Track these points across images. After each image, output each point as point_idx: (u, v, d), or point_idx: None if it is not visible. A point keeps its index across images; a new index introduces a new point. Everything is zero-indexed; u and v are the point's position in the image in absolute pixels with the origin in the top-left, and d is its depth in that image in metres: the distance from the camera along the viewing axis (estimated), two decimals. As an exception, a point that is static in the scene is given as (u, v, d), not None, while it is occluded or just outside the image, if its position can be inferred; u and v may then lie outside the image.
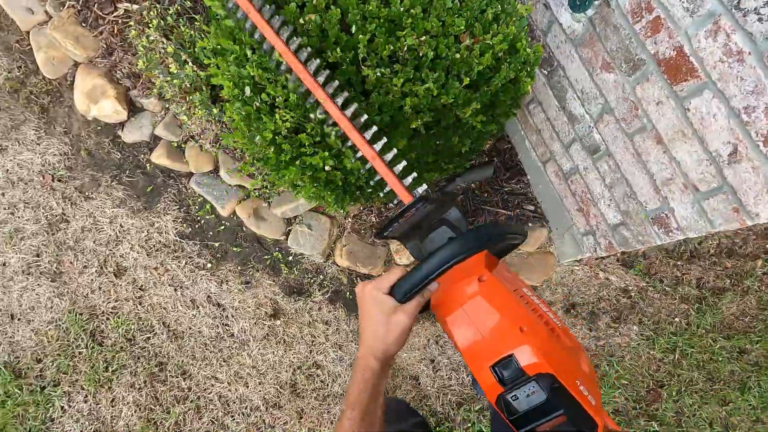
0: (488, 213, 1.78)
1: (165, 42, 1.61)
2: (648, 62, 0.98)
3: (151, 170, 1.92)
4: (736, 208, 0.92)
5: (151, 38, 1.59)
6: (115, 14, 1.91)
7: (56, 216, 1.88)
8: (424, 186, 0.77)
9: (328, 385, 1.76)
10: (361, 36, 0.91)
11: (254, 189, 1.81)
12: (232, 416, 1.73)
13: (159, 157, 1.89)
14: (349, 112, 0.80)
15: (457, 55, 0.95)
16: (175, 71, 1.60)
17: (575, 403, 0.53)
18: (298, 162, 0.90)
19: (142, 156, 1.94)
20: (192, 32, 1.60)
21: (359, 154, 0.82)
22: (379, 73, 0.92)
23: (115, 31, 1.92)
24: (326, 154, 0.91)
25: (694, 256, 1.88)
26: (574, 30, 1.16)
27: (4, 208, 1.88)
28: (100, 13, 1.93)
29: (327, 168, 0.90)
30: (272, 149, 0.91)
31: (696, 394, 1.77)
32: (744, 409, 1.76)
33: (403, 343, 0.65)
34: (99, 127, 1.97)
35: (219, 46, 0.92)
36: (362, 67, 0.92)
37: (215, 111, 1.62)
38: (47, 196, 1.89)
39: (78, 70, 1.97)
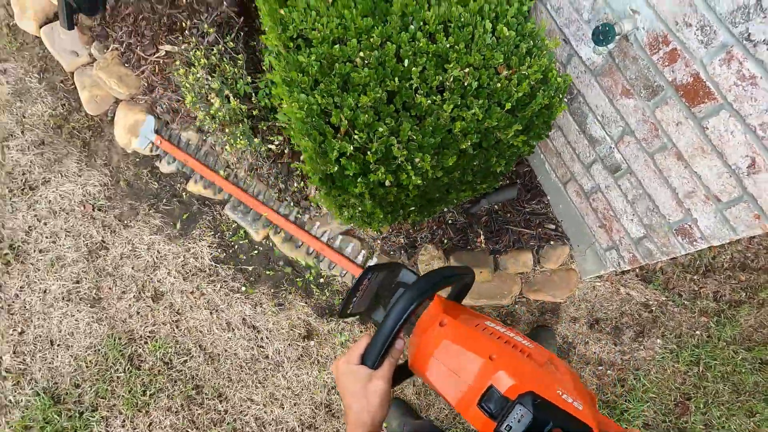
0: (512, 233, 1.87)
1: (210, 79, 1.74)
2: (666, 88, 1.10)
3: (187, 199, 2.02)
4: (758, 215, 1.01)
5: (198, 76, 1.72)
6: (156, 55, 2.07)
7: (96, 244, 1.95)
8: (375, 259, 0.85)
9: (361, 405, 1.79)
10: (413, 68, 1.03)
11: (290, 213, 1.90)
12: (268, 438, 1.75)
13: (195, 186, 1.99)
14: (292, 217, 0.92)
15: (498, 85, 1.07)
16: (218, 105, 1.72)
17: (562, 413, 0.54)
18: (360, 180, 1.00)
19: (179, 185, 2.04)
20: (235, 70, 1.74)
21: (311, 249, 0.92)
22: (430, 101, 1.04)
23: (157, 70, 2.07)
24: (386, 170, 1.01)
25: (709, 270, 1.96)
26: (594, 62, 1.29)
27: (46, 237, 1.95)
28: (143, 54, 2.08)
29: (387, 183, 0.99)
30: (336, 168, 1.00)
31: (723, 406, 1.81)
32: (771, 421, 1.79)
33: (387, 406, 0.65)
34: (137, 159, 2.08)
35: (288, 78, 1.03)
36: (416, 95, 1.03)
37: (256, 141, 1.73)
38: (87, 225, 1.98)
39: (119, 106, 2.10)
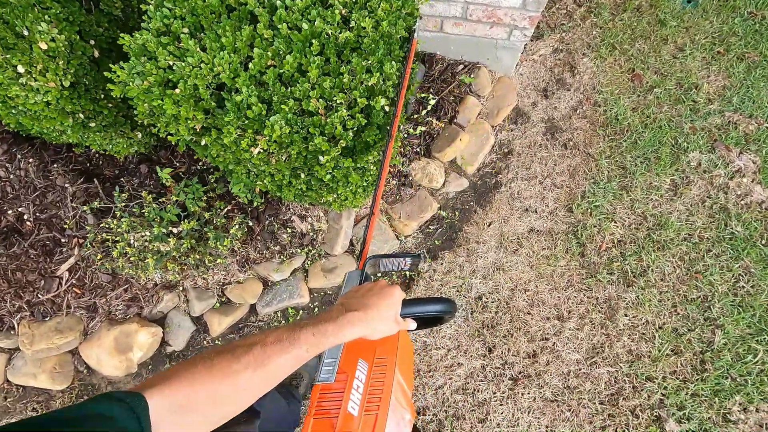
0: (445, 98, 2.04)
1: (148, 236, 1.59)
2: None
3: (225, 342, 1.89)
4: None
5: (140, 240, 1.56)
6: (60, 287, 1.82)
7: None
8: None
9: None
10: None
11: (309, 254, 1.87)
12: None
13: (220, 326, 1.86)
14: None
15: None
16: (174, 244, 1.60)
17: None
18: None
19: (205, 341, 1.89)
20: (154, 207, 1.61)
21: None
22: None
23: (77, 292, 1.83)
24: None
25: (558, -5, 2.33)
26: None
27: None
28: (50, 296, 1.82)
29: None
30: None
31: (652, 55, 2.22)
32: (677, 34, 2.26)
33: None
34: (150, 366, 1.87)
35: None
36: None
37: (233, 230, 1.65)
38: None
39: (81, 348, 1.84)
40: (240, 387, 0.54)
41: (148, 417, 0.47)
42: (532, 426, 1.73)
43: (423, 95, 2.01)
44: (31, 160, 1.90)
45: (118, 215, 1.62)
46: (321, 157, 1.14)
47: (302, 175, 1.24)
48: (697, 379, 1.73)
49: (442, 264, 1.96)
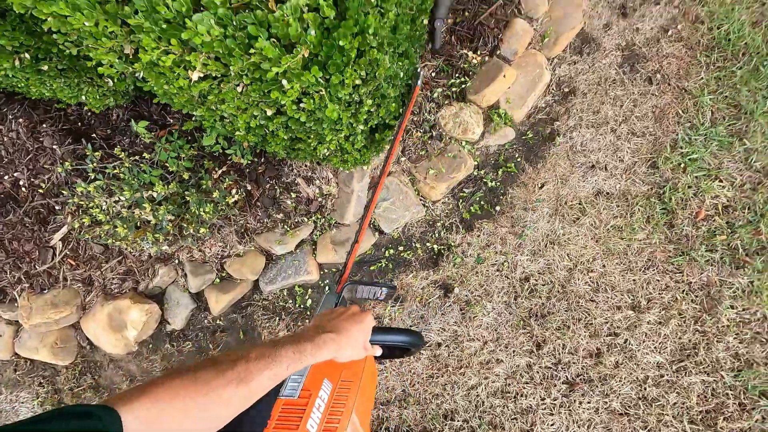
0: (486, 24, 1.59)
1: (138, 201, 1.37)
2: None
3: (227, 323, 1.67)
4: None
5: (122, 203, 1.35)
6: (50, 262, 1.68)
7: None
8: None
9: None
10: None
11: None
12: None
13: (218, 304, 1.64)
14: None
15: None
16: (160, 212, 1.36)
17: None
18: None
19: (206, 321, 1.68)
20: (128, 168, 1.38)
21: None
22: None
23: (74, 263, 1.69)
24: None
25: None
26: None
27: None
28: (45, 268, 1.69)
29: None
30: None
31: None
32: None
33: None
34: (151, 345, 1.71)
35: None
36: None
37: (216, 194, 1.38)
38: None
39: (81, 323, 1.72)
40: (222, 402, 0.53)
41: None
42: (593, 444, 1.34)
43: (457, 20, 1.58)
44: (21, 120, 1.74)
45: (92, 177, 1.41)
46: (284, 81, 0.80)
47: (267, 112, 0.91)
48: (842, 401, 1.23)
49: (479, 236, 1.57)
